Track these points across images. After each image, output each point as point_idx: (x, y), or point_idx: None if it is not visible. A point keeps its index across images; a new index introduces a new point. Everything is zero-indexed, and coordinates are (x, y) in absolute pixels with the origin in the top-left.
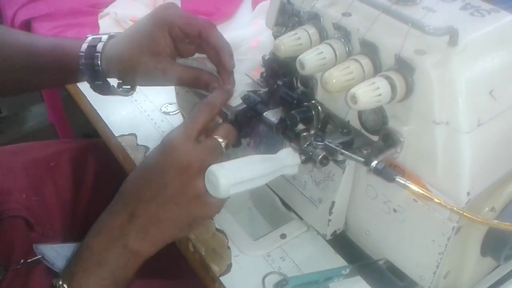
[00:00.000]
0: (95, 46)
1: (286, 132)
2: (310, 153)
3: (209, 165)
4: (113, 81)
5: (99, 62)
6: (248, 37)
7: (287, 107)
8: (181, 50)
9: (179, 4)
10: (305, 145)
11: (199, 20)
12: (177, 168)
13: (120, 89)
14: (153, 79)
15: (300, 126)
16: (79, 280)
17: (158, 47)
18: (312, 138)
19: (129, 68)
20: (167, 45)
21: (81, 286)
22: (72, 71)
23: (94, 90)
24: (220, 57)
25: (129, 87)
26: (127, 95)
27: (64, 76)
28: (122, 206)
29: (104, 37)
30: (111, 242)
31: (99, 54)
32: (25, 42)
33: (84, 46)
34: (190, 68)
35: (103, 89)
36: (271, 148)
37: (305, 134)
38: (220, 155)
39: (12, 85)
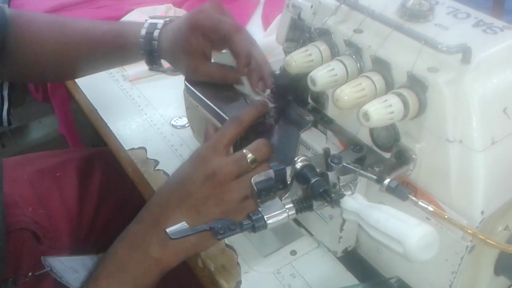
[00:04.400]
0: (152, 33)
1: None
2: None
3: (233, 177)
4: None
5: (156, 48)
6: None
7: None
8: (215, 46)
9: None
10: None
11: (226, 24)
12: (201, 177)
13: (169, 68)
14: (187, 74)
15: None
16: (100, 284)
17: (191, 47)
18: (329, 159)
19: (172, 60)
20: (199, 45)
21: None
22: (132, 55)
23: (150, 69)
24: (236, 63)
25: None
26: (176, 75)
27: (124, 59)
28: (147, 214)
29: (160, 24)
30: (133, 248)
31: (156, 42)
32: (86, 30)
33: (143, 32)
34: (219, 67)
35: (158, 68)
36: (281, 163)
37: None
38: (244, 168)
39: (75, 70)
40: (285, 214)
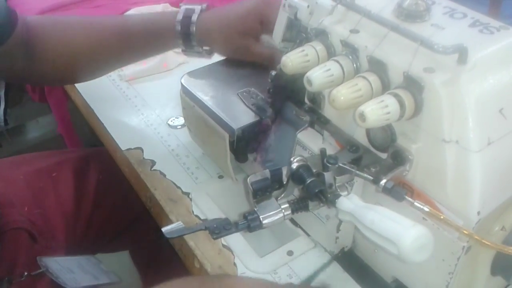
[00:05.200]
0: (190, 17)
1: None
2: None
3: None
4: None
5: (194, 31)
6: None
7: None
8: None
9: None
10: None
11: None
12: None
13: (204, 51)
14: (236, 52)
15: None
16: None
17: (246, 29)
18: (325, 160)
19: (217, 39)
20: (255, 29)
21: None
22: (164, 42)
23: (185, 54)
24: None
25: (208, 48)
26: (209, 57)
27: (156, 47)
28: None
29: (197, 9)
30: None
31: (194, 24)
32: (115, 24)
33: (180, 16)
34: (268, 48)
35: (193, 51)
36: (278, 163)
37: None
38: None
39: (108, 66)
40: (281, 214)
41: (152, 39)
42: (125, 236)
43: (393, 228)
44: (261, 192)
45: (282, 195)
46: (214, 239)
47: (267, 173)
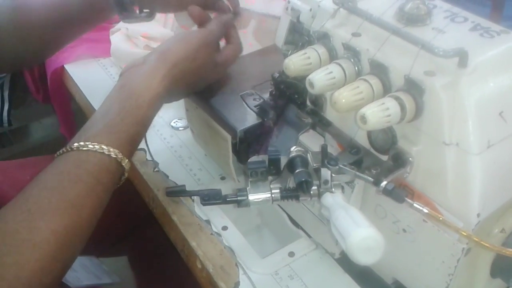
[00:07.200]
0: None
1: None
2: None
3: None
4: None
5: None
6: None
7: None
8: None
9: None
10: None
11: None
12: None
13: (142, 14)
14: (169, 5)
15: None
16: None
17: None
18: (326, 161)
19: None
20: None
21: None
22: (101, 9)
23: (122, 20)
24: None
25: (148, 10)
26: (149, 20)
27: (93, 16)
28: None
29: None
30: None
31: None
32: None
33: None
34: None
35: (130, 17)
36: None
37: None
38: None
39: (49, 44)
40: (268, 196)
41: (89, 13)
42: (127, 241)
43: (348, 225)
44: (255, 173)
45: (276, 180)
46: (203, 205)
47: (265, 157)
